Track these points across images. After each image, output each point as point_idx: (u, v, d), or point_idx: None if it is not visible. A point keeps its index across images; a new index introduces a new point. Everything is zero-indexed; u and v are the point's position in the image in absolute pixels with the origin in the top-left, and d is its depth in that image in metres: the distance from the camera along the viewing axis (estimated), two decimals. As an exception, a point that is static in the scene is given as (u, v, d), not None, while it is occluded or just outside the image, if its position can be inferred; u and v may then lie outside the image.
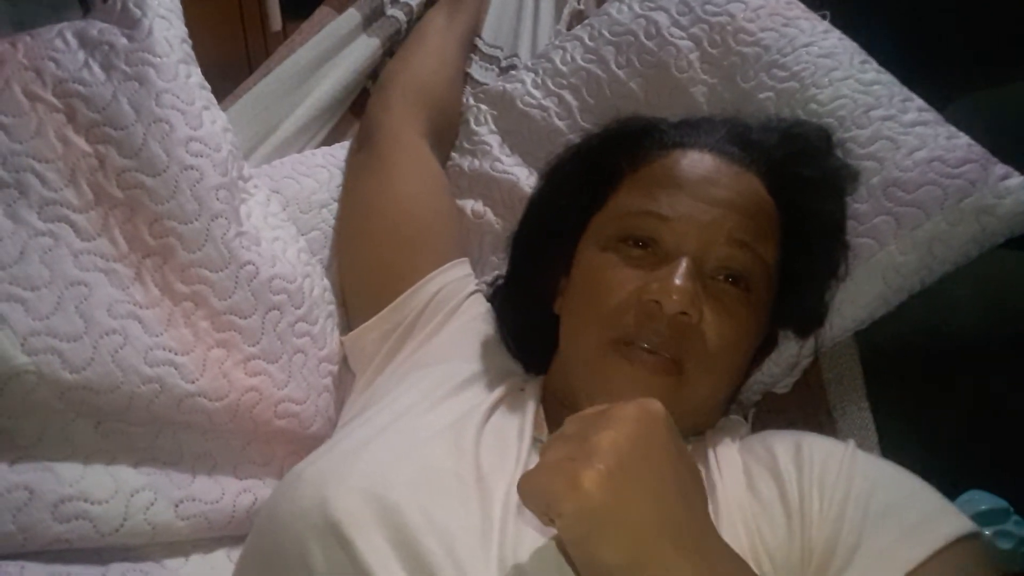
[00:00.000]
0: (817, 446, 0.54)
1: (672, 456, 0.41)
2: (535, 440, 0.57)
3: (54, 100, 0.62)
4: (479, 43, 0.94)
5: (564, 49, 0.89)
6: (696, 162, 0.61)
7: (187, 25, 0.71)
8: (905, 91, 0.76)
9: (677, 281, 0.54)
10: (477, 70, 0.94)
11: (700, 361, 0.55)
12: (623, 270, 0.57)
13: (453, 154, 0.90)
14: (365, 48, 0.89)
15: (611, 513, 0.38)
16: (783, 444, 0.55)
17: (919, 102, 0.75)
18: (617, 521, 0.38)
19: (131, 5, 0.67)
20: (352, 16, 0.89)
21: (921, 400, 0.69)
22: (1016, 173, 0.69)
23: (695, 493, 0.42)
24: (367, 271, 0.76)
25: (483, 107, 0.90)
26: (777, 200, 0.61)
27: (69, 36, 0.65)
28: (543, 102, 0.87)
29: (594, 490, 0.38)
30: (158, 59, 0.65)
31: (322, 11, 0.91)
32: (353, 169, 0.82)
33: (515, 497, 0.51)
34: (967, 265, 0.69)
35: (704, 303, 0.55)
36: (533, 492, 0.41)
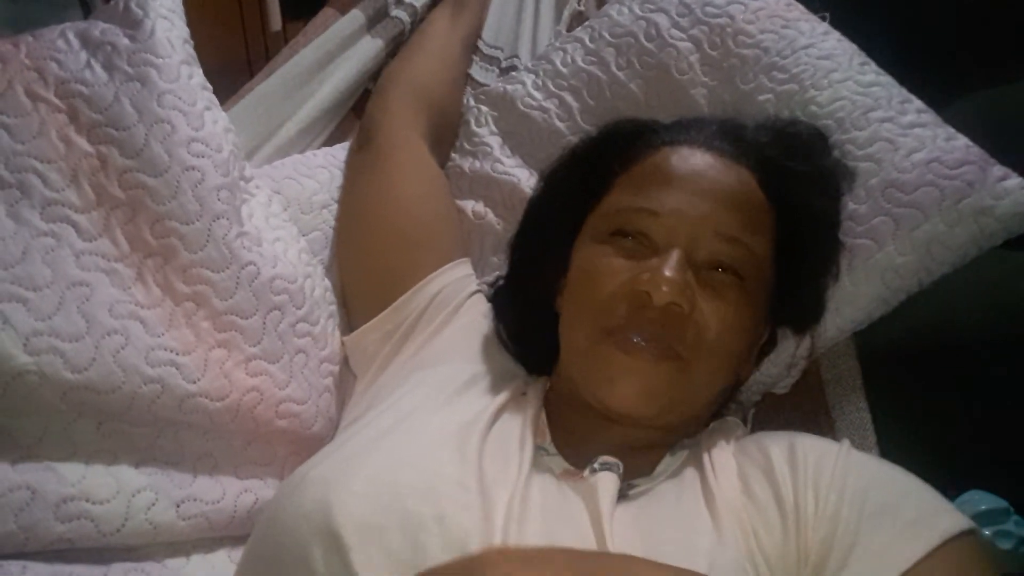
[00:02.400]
0: (811, 446, 0.54)
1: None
2: (537, 448, 0.57)
3: (56, 100, 0.63)
4: (479, 44, 0.95)
5: (565, 51, 0.89)
6: (686, 157, 0.61)
7: (187, 25, 0.71)
8: (904, 92, 0.76)
9: (667, 272, 0.54)
10: (477, 71, 0.95)
11: (697, 348, 0.55)
12: (615, 260, 0.58)
13: (454, 155, 0.90)
14: (369, 49, 0.89)
15: None
16: (777, 445, 0.55)
17: (918, 103, 0.75)
18: None
19: (133, 6, 0.67)
20: (356, 17, 0.89)
21: (920, 400, 0.69)
22: (1014, 174, 0.69)
23: None
24: (367, 272, 0.76)
25: (484, 108, 0.90)
26: (769, 194, 0.61)
27: (71, 36, 0.65)
28: (544, 103, 0.87)
29: None
30: (160, 60, 0.65)
31: (326, 12, 0.91)
32: (353, 170, 0.82)
33: (518, 506, 0.51)
34: (967, 265, 0.69)
35: (697, 292, 0.56)
36: None
